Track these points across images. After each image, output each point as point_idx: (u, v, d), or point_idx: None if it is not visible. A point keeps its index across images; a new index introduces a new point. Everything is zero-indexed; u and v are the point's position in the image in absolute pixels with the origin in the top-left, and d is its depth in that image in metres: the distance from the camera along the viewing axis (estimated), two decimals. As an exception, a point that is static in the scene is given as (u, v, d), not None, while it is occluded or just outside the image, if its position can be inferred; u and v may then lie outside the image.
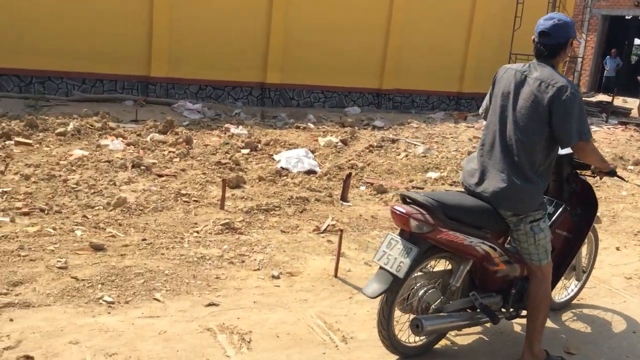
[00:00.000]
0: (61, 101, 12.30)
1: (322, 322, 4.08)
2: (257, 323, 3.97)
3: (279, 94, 15.36)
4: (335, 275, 4.87)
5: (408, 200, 3.52)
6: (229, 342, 3.70)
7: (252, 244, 5.45)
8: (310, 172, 8.34)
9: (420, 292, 3.57)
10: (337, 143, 10.17)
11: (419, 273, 3.59)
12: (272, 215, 6.36)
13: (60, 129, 9.05)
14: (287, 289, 4.56)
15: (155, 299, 4.18)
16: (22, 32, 12.40)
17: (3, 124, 8.84)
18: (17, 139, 8.37)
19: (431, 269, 3.70)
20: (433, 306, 3.57)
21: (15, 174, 6.93)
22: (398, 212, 3.41)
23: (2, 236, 5.01)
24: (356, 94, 16.47)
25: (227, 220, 5.88)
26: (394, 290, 3.43)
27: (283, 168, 8.31)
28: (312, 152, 9.36)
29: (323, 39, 15.44)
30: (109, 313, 3.91)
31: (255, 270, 4.86)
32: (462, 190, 3.79)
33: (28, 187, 6.51)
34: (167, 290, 4.31)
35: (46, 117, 9.74)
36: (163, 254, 5.02)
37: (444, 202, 3.44)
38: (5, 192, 6.24)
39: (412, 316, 3.59)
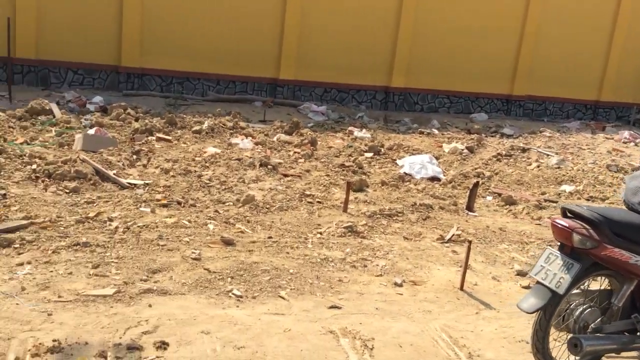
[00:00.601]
0: (197, 101, 13.05)
1: (446, 336, 3.95)
2: (380, 330, 3.93)
3: (402, 98, 15.23)
4: (461, 288, 4.70)
5: (569, 214, 3.37)
6: (351, 346, 3.69)
7: (374, 248, 5.42)
8: (433, 178, 8.16)
9: (578, 310, 3.39)
10: (462, 150, 9.88)
11: (576, 290, 3.42)
12: (394, 220, 6.29)
13: (196, 127, 9.58)
14: (410, 298, 4.48)
15: (280, 296, 4.27)
16: (165, 36, 13.30)
17: (146, 121, 9.52)
18: (158, 135, 8.97)
19: (587, 287, 3.50)
20: (592, 325, 3.38)
21: (156, 167, 7.43)
22: (560, 226, 3.28)
23: (144, 225, 5.37)
24: (484, 100, 15.91)
25: (350, 224, 5.90)
26: (552, 307, 3.30)
27: (406, 173, 8.21)
28: (436, 158, 9.16)
29: (451, 42, 15.09)
30: (238, 306, 4.05)
31: (378, 275, 4.82)
32: (621, 207, 3.57)
33: (167, 180, 6.95)
34: (291, 289, 4.39)
35: (184, 116, 10.36)
36: (288, 252, 5.13)
37: (610, 218, 3.27)
38: (147, 184, 6.70)
39: (567, 335, 3.43)
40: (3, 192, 5.85)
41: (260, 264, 4.78)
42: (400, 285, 4.66)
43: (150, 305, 3.92)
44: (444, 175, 8.38)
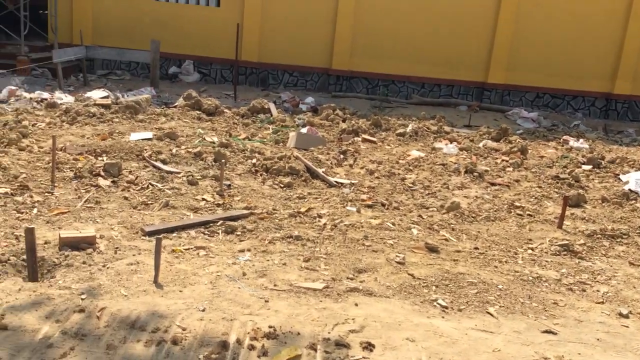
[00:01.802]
0: (401, 103, 13.14)
1: (687, 384, 3.41)
2: (602, 365, 3.52)
3: (627, 106, 13.69)
4: None
5: None
6: (568, 378, 3.35)
7: (594, 272, 4.90)
8: (666, 199, 7.16)
9: None
10: (703, 168, 8.53)
11: None
12: (618, 243, 5.63)
13: (400, 130, 9.62)
14: (638, 332, 3.95)
15: (488, 312, 4.05)
16: (373, 39, 13.61)
17: (353, 122, 9.80)
18: (363, 136, 9.18)
19: None
20: None
21: (362, 168, 7.60)
22: None
23: (350, 224, 5.50)
24: None
25: (565, 242, 5.42)
26: None
27: (631, 190, 7.31)
28: (670, 176, 8.02)
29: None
30: (443, 317, 3.93)
31: (599, 303, 4.34)
32: None
33: (372, 181, 7.06)
34: (500, 306, 4.14)
35: (388, 118, 10.47)
36: (496, 266, 4.87)
37: None
38: (353, 184, 6.88)
39: None
40: (228, 182, 6.43)
41: (467, 275, 4.59)
42: (626, 317, 4.13)
43: (356, 304, 3.98)
44: (680, 196, 7.30)
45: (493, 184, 7.33)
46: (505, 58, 13.55)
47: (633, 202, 6.96)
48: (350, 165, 7.73)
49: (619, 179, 7.94)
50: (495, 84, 13.72)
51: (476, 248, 5.24)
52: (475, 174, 7.55)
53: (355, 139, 9.07)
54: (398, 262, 4.72)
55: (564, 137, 10.42)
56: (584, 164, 8.53)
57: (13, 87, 9.94)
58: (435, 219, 5.90)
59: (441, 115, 11.21)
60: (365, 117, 10.60)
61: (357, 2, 13.44)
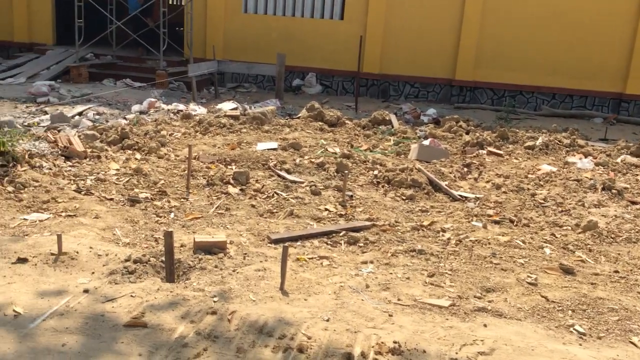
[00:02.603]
0: (529, 115, 12.55)
1: None
2: None
3: None
4: None
5: None
6: None
7: None
8: None
9: None
10: None
11: None
12: None
13: (529, 143, 9.16)
14: None
15: (632, 342, 3.71)
16: (499, 49, 13.13)
17: (477, 134, 9.49)
18: (489, 148, 8.85)
19: None
20: None
21: (487, 182, 7.32)
22: None
23: (476, 240, 5.30)
24: None
25: None
26: None
27: None
28: None
29: None
30: (581, 345, 3.65)
31: None
32: None
33: (498, 196, 6.77)
34: (646, 337, 3.78)
35: (516, 130, 10.02)
36: (639, 292, 4.45)
37: None
38: (478, 198, 6.64)
39: None
40: (350, 193, 6.46)
41: (606, 300, 4.24)
42: None
43: (485, 325, 3.80)
44: None
45: (634, 203, 6.75)
46: (648, 66, 12.51)
47: None
48: (475, 179, 7.47)
49: None
50: (635, 95, 12.69)
51: (616, 271, 4.84)
52: (613, 191, 7.00)
53: (480, 151, 8.77)
54: (530, 283, 4.46)
55: None
56: None
57: (152, 99, 10.71)
58: (570, 238, 5.53)
59: (574, 127, 10.55)
60: (491, 129, 10.23)
61: (483, 10, 13.05)
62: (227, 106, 10.38)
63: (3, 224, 4.91)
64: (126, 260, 4.34)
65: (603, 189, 7.09)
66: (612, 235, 5.66)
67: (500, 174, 7.67)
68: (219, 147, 7.98)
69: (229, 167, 7.13)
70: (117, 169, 6.65)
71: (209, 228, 5.25)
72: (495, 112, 12.42)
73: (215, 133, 8.77)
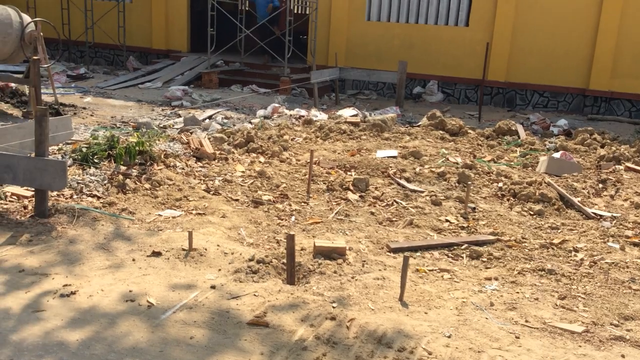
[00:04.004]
0: (674, 129, 11.46)
1: None
2: None
3: None
4: None
5: None
6: None
7: None
8: None
9: None
10: None
11: None
12: None
13: (675, 159, 8.35)
14: None
15: None
16: (638, 56, 12.13)
17: (614, 148, 8.82)
18: (627, 164, 8.18)
19: None
20: None
21: (625, 200, 6.76)
22: None
23: (613, 263, 4.90)
24: None
25: None
26: None
27: None
28: None
29: None
30: None
31: None
32: None
33: (637, 216, 6.22)
34: None
35: (659, 145, 9.16)
36: None
37: None
38: (615, 217, 6.14)
39: None
40: (473, 205, 6.23)
41: None
42: None
43: (622, 356, 3.48)
44: None
45: None
46: None
47: None
48: (611, 196, 6.92)
49: None
50: None
51: None
52: None
53: (617, 167, 8.12)
54: (676, 314, 4.03)
55: None
56: None
57: (276, 105, 11.04)
58: None
59: None
60: (629, 143, 9.46)
61: (622, 14, 12.13)
62: (347, 113, 10.46)
63: (140, 219, 5.26)
64: (250, 260, 4.47)
65: None
66: None
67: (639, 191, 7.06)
68: (339, 153, 8.04)
69: (349, 173, 7.15)
70: (243, 171, 6.91)
71: (329, 233, 5.28)
72: (633, 125, 11.50)
73: (336, 139, 8.85)
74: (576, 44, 12.61)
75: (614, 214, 6.24)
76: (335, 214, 5.84)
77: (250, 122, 9.88)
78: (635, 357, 3.50)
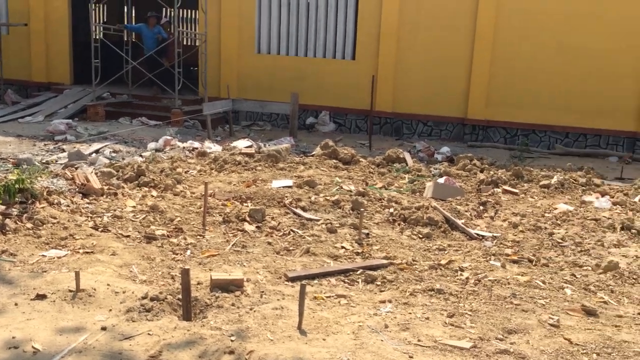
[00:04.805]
0: (543, 154, 12.52)
1: None
2: None
3: None
4: None
5: None
6: None
7: None
8: None
9: None
10: None
11: None
12: None
13: (544, 181, 9.12)
14: None
15: (662, 388, 3.60)
16: (511, 88, 13.20)
17: (492, 172, 9.47)
18: (504, 187, 8.81)
19: None
20: None
21: (504, 220, 7.26)
22: None
23: (495, 280, 5.23)
24: None
25: None
26: None
27: None
28: None
29: None
30: (608, 390, 3.55)
31: None
32: None
33: (515, 235, 6.70)
34: (676, 382, 3.67)
35: (530, 169, 9.99)
36: (666, 335, 4.34)
37: None
38: (496, 237, 6.58)
39: None
40: (367, 231, 6.43)
41: (632, 344, 4.14)
42: None
43: (511, 368, 3.72)
44: None
45: (655, 243, 6.65)
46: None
47: None
48: (491, 218, 7.42)
49: None
50: (650, 133, 12.67)
51: (640, 313, 4.74)
52: (633, 231, 6.91)
53: (495, 190, 8.74)
54: (552, 325, 4.37)
55: None
56: None
57: (168, 137, 10.83)
58: (591, 279, 5.43)
59: (589, 166, 10.50)
60: (505, 167, 10.21)
61: (493, 49, 13.18)
62: (241, 144, 10.47)
63: (22, 260, 4.92)
64: (143, 298, 4.32)
65: (622, 228, 7.00)
66: (634, 276, 5.55)
67: (516, 212, 7.62)
68: (234, 185, 8.01)
69: (245, 204, 7.13)
70: (134, 206, 6.68)
71: (226, 265, 5.22)
72: (508, 151, 12.42)
73: (231, 170, 8.82)
74: (453, 77, 13.50)
75: (495, 234, 6.69)
76: (232, 245, 5.80)
77: (140, 156, 9.60)
78: (518, 367, 3.74)
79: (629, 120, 12.76)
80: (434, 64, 13.57)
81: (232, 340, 3.79)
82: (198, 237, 5.97)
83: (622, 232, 6.91)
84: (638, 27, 12.46)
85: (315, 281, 5.03)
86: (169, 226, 6.19)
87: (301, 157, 10.25)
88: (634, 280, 5.47)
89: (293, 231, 6.30)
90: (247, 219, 6.52)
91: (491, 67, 13.25)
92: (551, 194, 8.70)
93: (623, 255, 6.15)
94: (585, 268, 5.73)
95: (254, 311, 4.29)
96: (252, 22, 14.54)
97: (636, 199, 8.54)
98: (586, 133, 13.08)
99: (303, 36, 14.43)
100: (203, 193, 6.57)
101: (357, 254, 5.81)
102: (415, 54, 13.67)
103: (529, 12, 12.94)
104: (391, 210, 7.26)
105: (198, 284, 4.68)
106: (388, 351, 3.83)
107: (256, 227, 6.37)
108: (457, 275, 5.35)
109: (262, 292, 4.68)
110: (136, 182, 7.63)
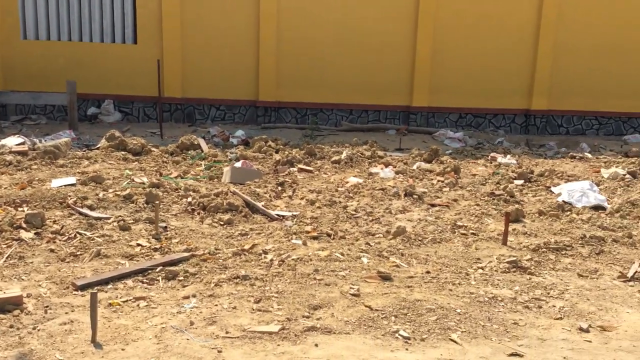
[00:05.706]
0: (332, 131, 13.13)
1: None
2: (572, 383, 3.45)
3: (545, 120, 14.32)
4: (662, 336, 4.07)
5: None
6: (543, 401, 3.25)
7: (546, 287, 4.90)
8: (597, 207, 7.41)
9: None
10: (624, 175, 8.94)
11: None
12: (563, 255, 5.71)
13: (335, 157, 9.55)
14: (601, 346, 3.93)
15: (452, 339, 3.92)
16: (298, 70, 13.60)
17: (287, 152, 9.65)
18: (299, 166, 9.03)
19: None
20: None
21: (302, 198, 7.41)
22: None
23: (298, 258, 5.28)
24: (638, 120, 14.54)
25: (513, 258, 5.42)
26: None
27: (565, 202, 7.52)
28: (596, 185, 8.35)
29: (597, 61, 14.03)
30: (407, 349, 3.76)
31: (557, 319, 4.31)
32: None
33: (313, 212, 6.88)
34: (462, 332, 4.03)
35: (322, 146, 10.39)
36: (450, 290, 4.77)
37: None
38: (295, 216, 6.68)
39: None
40: (164, 224, 6.06)
41: (424, 302, 4.46)
42: (587, 331, 4.12)
43: (316, 345, 3.75)
44: (609, 204, 7.58)
45: (433, 205, 7.33)
46: (427, 82, 13.87)
47: (568, 213, 7.15)
48: (290, 197, 7.53)
49: (551, 191, 8.17)
50: (420, 107, 14.00)
51: (428, 272, 5.15)
52: (414, 196, 7.54)
53: (291, 169, 8.91)
54: (353, 294, 4.53)
55: (492, 154, 10.70)
56: (515, 179, 8.74)
57: None
58: (383, 245, 5.78)
59: (373, 140, 11.26)
60: (298, 146, 10.48)
61: (278, 31, 13.40)
62: (12, 141, 9.23)
63: None
64: None
65: (405, 195, 7.59)
66: (420, 238, 6.04)
67: (312, 189, 7.84)
68: (5, 188, 7.01)
69: (20, 209, 6.27)
70: None
71: (0, 282, 4.51)
72: (300, 130, 12.80)
73: (0, 172, 7.71)
74: (242, 60, 13.46)
75: (294, 213, 6.78)
76: (7, 258, 5.03)
77: None
78: (327, 343, 3.79)
79: (402, 96, 13.95)
80: (220, 46, 13.38)
81: (11, 370, 3.25)
82: (-39, 253, 5.08)
83: (406, 198, 7.50)
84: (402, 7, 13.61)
85: (110, 286, 4.58)
86: None
87: (84, 151, 9.39)
88: (419, 242, 5.95)
89: (80, 233, 5.69)
90: (24, 225, 5.72)
91: (278, 49, 13.47)
92: (342, 169, 9.14)
93: (408, 220, 6.66)
94: (377, 236, 6.08)
95: (38, 330, 3.76)
96: (14, 4, 12.88)
97: (414, 167, 9.36)
98: (367, 109, 14.02)
99: (76, 19, 13.20)
100: (-37, 201, 5.61)
101: (156, 249, 5.44)
102: (201, 36, 13.33)
103: (308, -5, 13.37)
104: (189, 199, 6.97)
105: (-37, 309, 3.96)
106: (195, 350, 3.61)
107: (35, 233, 5.62)
108: (261, 259, 5.29)
109: (47, 306, 4.12)
110: None
